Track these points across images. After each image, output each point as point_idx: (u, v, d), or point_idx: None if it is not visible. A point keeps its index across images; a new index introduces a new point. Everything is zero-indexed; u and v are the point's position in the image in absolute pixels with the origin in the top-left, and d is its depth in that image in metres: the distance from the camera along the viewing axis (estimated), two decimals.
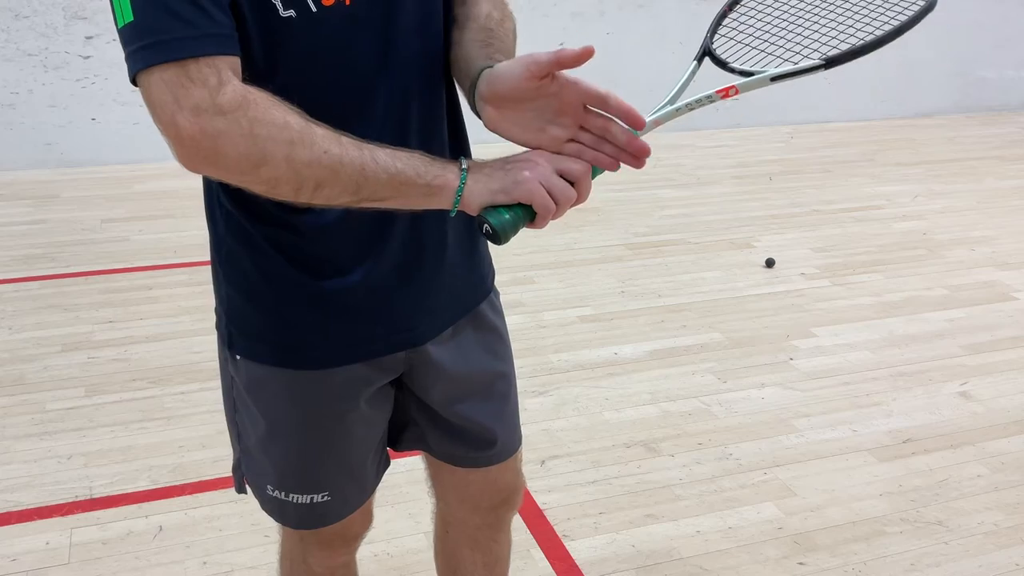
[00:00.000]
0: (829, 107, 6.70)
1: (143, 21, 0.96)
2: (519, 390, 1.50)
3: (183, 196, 4.60)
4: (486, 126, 1.09)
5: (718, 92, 1.16)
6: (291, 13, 1.05)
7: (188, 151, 0.97)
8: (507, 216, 1.04)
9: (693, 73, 1.26)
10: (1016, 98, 7.23)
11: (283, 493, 1.33)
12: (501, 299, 1.45)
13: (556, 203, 1.04)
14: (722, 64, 1.27)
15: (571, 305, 3.56)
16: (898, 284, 3.82)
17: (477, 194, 1.04)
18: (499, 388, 1.42)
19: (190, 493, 2.37)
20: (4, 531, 2.22)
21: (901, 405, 2.87)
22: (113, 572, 2.09)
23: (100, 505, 2.32)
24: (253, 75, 1.07)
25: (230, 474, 1.44)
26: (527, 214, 1.05)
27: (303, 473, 1.32)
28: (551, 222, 1.07)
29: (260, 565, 2.09)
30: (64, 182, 5.04)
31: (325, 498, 1.33)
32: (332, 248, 1.19)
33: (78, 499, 2.34)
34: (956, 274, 3.93)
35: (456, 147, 1.28)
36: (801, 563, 2.16)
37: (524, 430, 1.51)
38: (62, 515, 2.28)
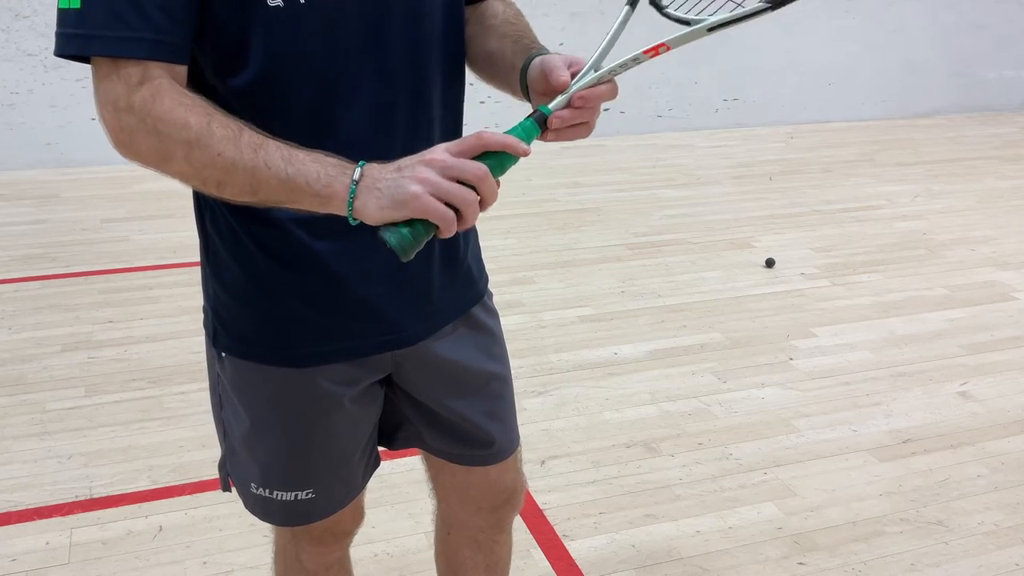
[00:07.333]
0: (829, 107, 6.70)
1: (87, 12, 1.00)
2: (519, 390, 1.50)
3: (183, 196, 4.54)
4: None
5: (645, 52, 1.07)
6: (278, 3, 1.05)
7: (112, 141, 1.04)
8: (405, 232, 0.98)
9: (625, 20, 1.12)
10: (1016, 98, 7.23)
11: (267, 490, 1.33)
12: (500, 299, 1.45)
13: (457, 210, 0.98)
14: (658, 7, 1.13)
15: (571, 305, 3.56)
16: (898, 284, 3.82)
17: (371, 211, 0.99)
18: (494, 388, 1.41)
19: (190, 493, 2.37)
20: (4, 531, 2.22)
21: (901, 405, 2.87)
22: (113, 572, 2.09)
23: (100, 505, 2.32)
24: (224, 66, 1.09)
25: None
26: (429, 226, 0.99)
27: (287, 470, 1.32)
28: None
29: (260, 565, 2.09)
30: (64, 182, 5.04)
31: (310, 495, 1.33)
32: (317, 247, 1.19)
33: (78, 499, 2.34)
34: (956, 274, 3.93)
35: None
36: (801, 563, 2.16)
37: (524, 430, 1.51)
38: (62, 515, 2.28)
